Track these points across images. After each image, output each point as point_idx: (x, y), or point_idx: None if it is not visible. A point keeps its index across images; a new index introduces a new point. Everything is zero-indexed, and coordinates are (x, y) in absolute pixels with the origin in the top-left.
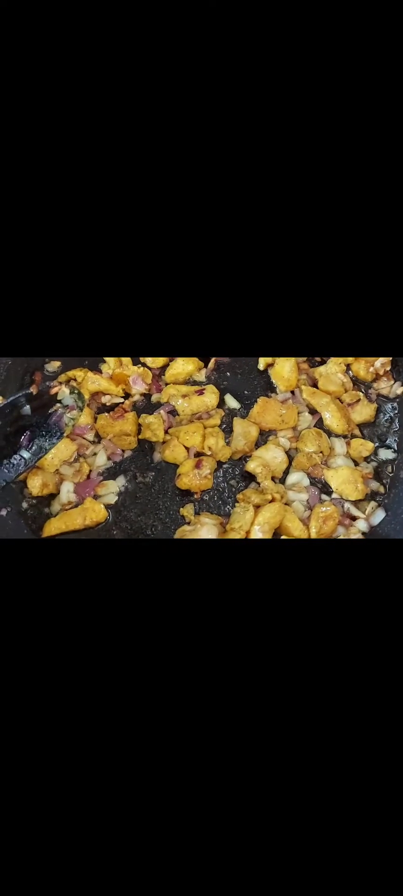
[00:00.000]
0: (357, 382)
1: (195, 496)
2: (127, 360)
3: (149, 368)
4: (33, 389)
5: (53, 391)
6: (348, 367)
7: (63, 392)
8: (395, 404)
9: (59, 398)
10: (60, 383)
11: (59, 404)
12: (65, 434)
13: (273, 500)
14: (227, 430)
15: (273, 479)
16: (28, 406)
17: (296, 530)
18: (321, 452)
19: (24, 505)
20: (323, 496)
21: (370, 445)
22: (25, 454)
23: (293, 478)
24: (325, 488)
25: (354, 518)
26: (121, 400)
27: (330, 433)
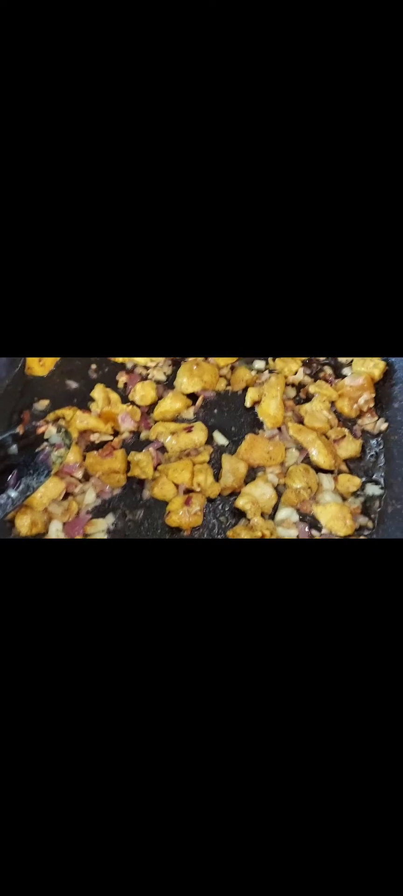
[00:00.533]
0: (341, 419)
1: (185, 533)
2: (115, 398)
3: (138, 406)
4: (19, 429)
5: (40, 430)
6: (332, 403)
7: (50, 431)
8: (380, 440)
9: (45, 437)
10: (47, 422)
11: (46, 443)
12: (52, 472)
13: (262, 537)
14: (216, 466)
15: (262, 515)
16: (15, 445)
17: None
18: (309, 488)
19: None
20: (313, 532)
21: (357, 481)
22: (13, 493)
23: (282, 514)
24: (314, 524)
25: None
26: (110, 438)
27: (317, 469)
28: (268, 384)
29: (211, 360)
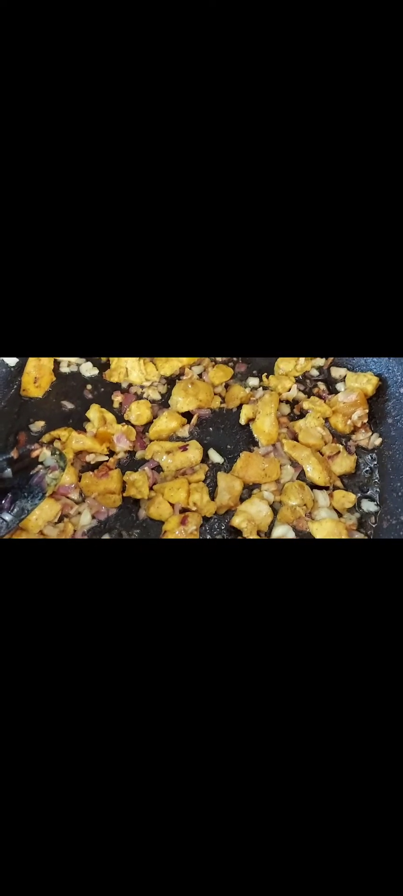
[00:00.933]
0: (336, 435)
1: None
2: (111, 418)
3: (133, 426)
4: (14, 454)
5: (34, 454)
6: (326, 419)
7: (44, 454)
8: (374, 455)
9: (40, 460)
10: (41, 445)
11: (40, 465)
12: (47, 494)
13: None
14: (211, 484)
15: (258, 533)
16: (9, 469)
17: None
18: (304, 505)
19: None
20: None
21: (352, 497)
22: (7, 517)
23: (278, 531)
24: None
25: None
26: (106, 458)
27: (312, 485)
28: (263, 401)
29: (206, 378)
